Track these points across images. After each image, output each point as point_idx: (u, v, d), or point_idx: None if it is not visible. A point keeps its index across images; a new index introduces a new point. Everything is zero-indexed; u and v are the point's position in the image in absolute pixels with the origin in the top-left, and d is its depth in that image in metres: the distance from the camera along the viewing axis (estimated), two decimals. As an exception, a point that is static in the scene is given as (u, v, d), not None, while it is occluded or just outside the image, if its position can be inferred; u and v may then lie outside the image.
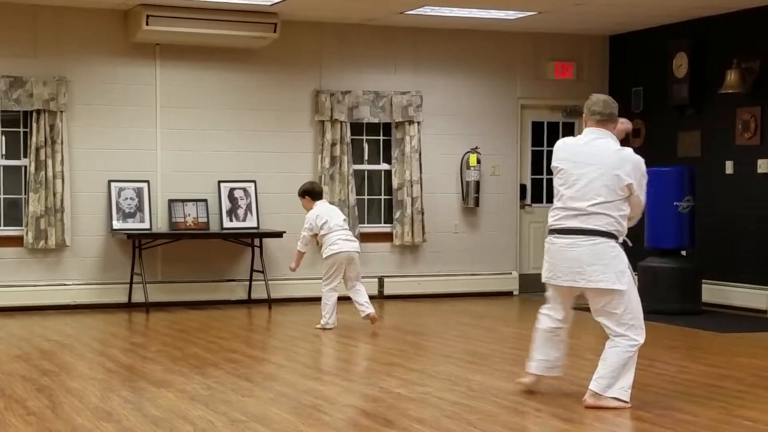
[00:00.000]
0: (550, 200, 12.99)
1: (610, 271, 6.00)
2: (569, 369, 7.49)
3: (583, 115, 6.29)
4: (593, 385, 6.06)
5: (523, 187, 12.88)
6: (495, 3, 10.86)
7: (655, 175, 10.98)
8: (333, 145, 11.84)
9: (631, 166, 6.07)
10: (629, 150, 6.18)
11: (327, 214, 9.62)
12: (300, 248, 9.77)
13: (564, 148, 6.25)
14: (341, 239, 9.53)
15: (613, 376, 6.02)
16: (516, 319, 10.94)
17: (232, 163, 11.55)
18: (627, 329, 6.04)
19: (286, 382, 6.98)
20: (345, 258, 9.52)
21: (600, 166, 6.03)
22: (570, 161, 6.13)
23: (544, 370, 6.45)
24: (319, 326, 9.60)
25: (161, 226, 11.39)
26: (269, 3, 10.71)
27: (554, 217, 6.19)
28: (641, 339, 6.08)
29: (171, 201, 11.36)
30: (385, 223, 12.40)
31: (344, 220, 9.77)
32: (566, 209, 6.10)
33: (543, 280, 6.33)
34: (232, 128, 11.65)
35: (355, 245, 9.67)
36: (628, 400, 6.04)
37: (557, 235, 6.13)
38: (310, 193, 9.76)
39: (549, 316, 6.40)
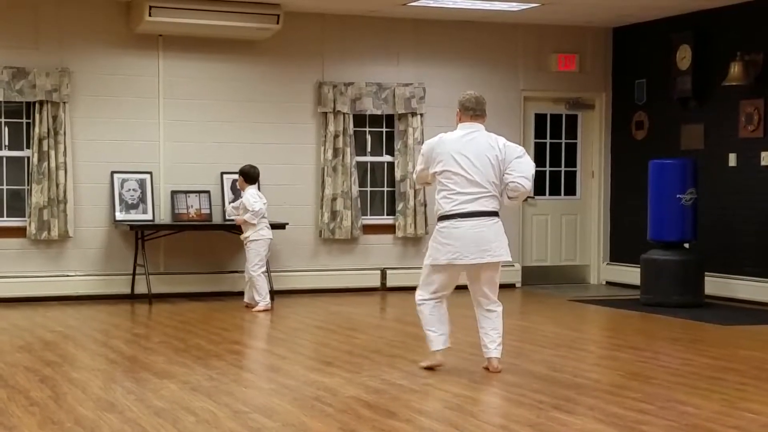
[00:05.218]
0: (553, 193, 13.16)
1: (505, 245, 6.83)
2: (572, 361, 7.51)
3: (457, 111, 7.04)
4: (499, 353, 6.93)
5: (525, 180, 12.85)
6: (498, -5, 10.86)
7: (658, 167, 11.05)
8: (336, 136, 11.84)
9: (509, 151, 6.83)
10: (503, 139, 6.93)
11: (261, 200, 10.51)
12: (236, 217, 10.63)
13: (452, 142, 6.86)
14: (265, 227, 10.53)
15: (502, 339, 7.00)
16: (518, 311, 10.93)
17: (235, 154, 11.53)
18: (498, 295, 6.98)
19: (289, 373, 6.98)
20: (269, 243, 10.56)
21: (488, 157, 6.77)
22: (461, 153, 6.77)
23: (445, 343, 7.03)
24: (260, 309, 10.34)
25: (164, 217, 11.39)
26: (272, -6, 10.70)
27: (454, 202, 6.75)
28: None
29: (174, 192, 11.37)
30: (387, 215, 12.39)
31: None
32: (465, 194, 6.73)
33: (443, 262, 6.79)
34: (234, 120, 11.65)
35: (271, 233, 10.65)
36: None
37: (460, 219, 6.73)
38: (245, 175, 10.58)
39: (429, 301, 6.96)
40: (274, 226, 11.31)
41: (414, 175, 7.36)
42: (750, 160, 11.11)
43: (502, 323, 7.01)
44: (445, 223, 6.77)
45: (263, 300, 10.40)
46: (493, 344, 6.94)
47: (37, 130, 10.83)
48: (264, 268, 10.49)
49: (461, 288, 7.07)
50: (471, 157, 6.76)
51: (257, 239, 10.47)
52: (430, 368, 7.02)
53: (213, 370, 7.06)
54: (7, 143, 10.99)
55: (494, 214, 6.79)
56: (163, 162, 11.42)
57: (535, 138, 12.99)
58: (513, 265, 12.69)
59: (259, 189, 10.82)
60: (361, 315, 10.04)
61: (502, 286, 12.26)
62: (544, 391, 6.35)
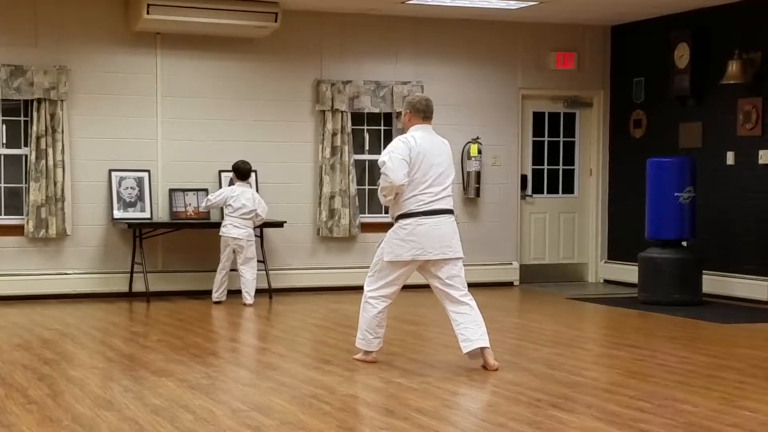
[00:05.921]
0: (551, 191, 13.16)
1: (460, 241, 7.10)
2: (570, 360, 7.51)
3: (407, 112, 7.33)
4: (486, 342, 6.94)
5: (524, 178, 12.88)
6: (496, -7, 10.86)
7: (656, 165, 11.05)
8: (334, 134, 11.83)
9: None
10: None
11: (235, 197, 10.58)
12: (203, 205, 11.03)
13: (417, 145, 7.06)
14: (230, 224, 10.60)
15: (484, 327, 6.99)
16: (516, 309, 10.95)
17: (233, 152, 11.52)
18: (466, 287, 7.07)
19: (287, 371, 6.98)
20: (230, 241, 10.61)
21: (444, 157, 7.12)
22: (423, 154, 7.01)
23: (378, 345, 7.28)
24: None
25: (162, 215, 11.39)
26: (270, -8, 10.69)
27: (421, 202, 6.97)
28: None
29: (172, 190, 11.36)
30: (385, 213, 12.37)
31: (250, 210, 10.61)
32: (428, 194, 6.98)
33: (407, 258, 6.98)
34: (232, 118, 11.64)
35: (242, 232, 10.59)
36: None
37: (424, 216, 6.95)
38: (235, 171, 10.76)
39: (381, 299, 7.17)
40: (272, 225, 11.33)
41: (383, 191, 7.01)
42: (748, 158, 11.11)
43: (479, 312, 7.01)
44: (408, 220, 6.97)
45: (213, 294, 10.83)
46: (475, 335, 6.92)
47: (35, 128, 10.82)
48: (222, 265, 10.73)
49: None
50: (442, 160, 7.09)
51: (220, 236, 10.75)
52: (364, 360, 7.27)
53: (211, 368, 7.06)
54: (4, 141, 10.99)
55: (452, 212, 7.11)
56: (161, 160, 11.41)
57: (533, 136, 12.99)
58: (511, 263, 12.72)
59: (257, 188, 10.83)
60: (359, 313, 10.02)
61: (500, 285, 12.47)
62: (543, 390, 6.35)
